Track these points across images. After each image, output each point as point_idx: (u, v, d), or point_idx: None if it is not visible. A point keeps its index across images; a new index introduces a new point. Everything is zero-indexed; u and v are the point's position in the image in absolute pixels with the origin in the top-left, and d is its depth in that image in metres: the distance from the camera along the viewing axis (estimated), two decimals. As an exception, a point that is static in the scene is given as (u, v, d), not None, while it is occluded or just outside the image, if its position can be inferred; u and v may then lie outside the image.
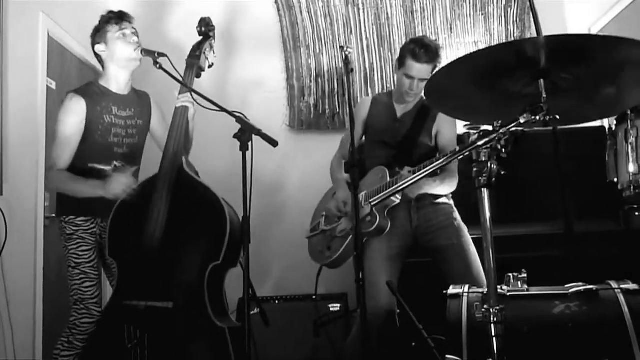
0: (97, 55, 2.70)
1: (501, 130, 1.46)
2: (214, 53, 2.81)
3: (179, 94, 2.60)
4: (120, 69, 2.67)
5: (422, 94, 2.87)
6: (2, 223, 2.78)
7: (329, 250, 2.79)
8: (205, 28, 2.78)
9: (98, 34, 2.66)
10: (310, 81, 4.04)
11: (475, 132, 3.20)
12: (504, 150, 1.49)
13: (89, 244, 2.56)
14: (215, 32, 2.85)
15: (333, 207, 2.83)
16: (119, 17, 2.65)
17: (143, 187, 2.52)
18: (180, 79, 2.48)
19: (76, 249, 2.53)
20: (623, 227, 3.08)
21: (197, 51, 2.72)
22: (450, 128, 2.77)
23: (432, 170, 1.95)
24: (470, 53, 1.47)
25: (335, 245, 2.77)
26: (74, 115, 2.55)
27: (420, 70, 2.67)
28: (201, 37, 2.78)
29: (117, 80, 2.69)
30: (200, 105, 2.43)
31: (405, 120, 2.84)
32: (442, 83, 1.56)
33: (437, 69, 2.69)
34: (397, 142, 2.81)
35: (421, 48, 2.67)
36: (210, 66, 2.80)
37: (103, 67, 2.70)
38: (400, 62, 2.75)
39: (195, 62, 2.69)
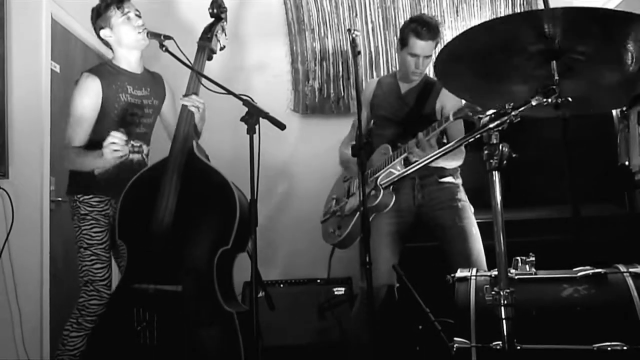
0: (102, 39, 2.68)
1: (513, 113, 1.45)
2: (225, 35, 2.79)
3: (184, 95, 2.58)
4: (129, 50, 2.66)
5: (426, 71, 2.88)
6: (9, 206, 2.78)
7: (339, 229, 2.82)
8: (217, 10, 2.76)
9: (101, 19, 2.62)
10: (315, 65, 4.01)
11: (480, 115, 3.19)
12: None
13: (102, 225, 2.56)
14: (222, 14, 2.83)
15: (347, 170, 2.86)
16: (118, 0, 2.61)
17: (153, 170, 2.52)
18: (187, 62, 2.46)
19: (89, 229, 2.53)
20: (629, 211, 3.08)
21: (208, 33, 2.71)
22: (454, 103, 2.75)
23: (439, 155, 1.93)
24: (488, 21, 1.44)
25: (344, 223, 2.80)
26: (89, 95, 2.53)
27: (424, 47, 2.70)
28: (213, 19, 2.76)
29: (128, 60, 2.68)
30: (207, 89, 2.42)
31: (409, 97, 2.85)
32: (456, 53, 1.53)
33: (439, 46, 2.75)
34: (402, 117, 2.82)
35: (423, 26, 2.69)
36: (221, 48, 2.79)
37: (111, 49, 2.69)
38: (403, 42, 2.77)
39: (206, 44, 2.68)
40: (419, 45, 2.70)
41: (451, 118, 2.38)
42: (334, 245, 2.89)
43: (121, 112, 2.61)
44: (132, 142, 2.64)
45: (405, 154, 2.56)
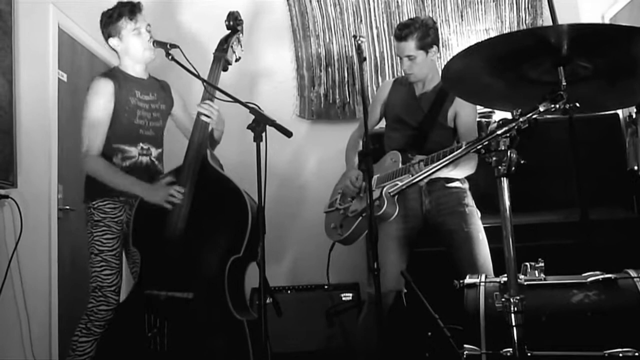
0: (109, 45, 2.72)
1: (520, 119, 1.44)
2: (241, 47, 2.85)
3: (202, 100, 2.62)
4: (135, 62, 2.71)
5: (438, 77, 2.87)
6: (18, 215, 2.80)
7: (341, 228, 2.82)
8: (234, 22, 2.81)
9: (112, 27, 2.65)
10: (320, 71, 4.02)
11: (488, 119, 3.18)
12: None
13: (114, 232, 2.57)
14: (224, 23, 2.85)
15: (347, 182, 2.83)
16: (131, 11, 2.64)
17: (169, 179, 2.55)
18: (193, 70, 2.47)
19: (101, 236, 2.55)
20: (637, 214, 3.06)
21: (224, 45, 2.75)
22: (468, 110, 2.74)
23: (446, 163, 1.92)
24: (490, 38, 1.45)
25: (347, 224, 2.79)
26: (102, 97, 2.57)
27: (401, 47, 2.72)
28: (229, 31, 2.81)
29: (134, 69, 2.73)
30: (214, 97, 2.42)
31: (423, 100, 2.82)
32: (459, 67, 1.54)
33: (426, 42, 2.69)
34: (417, 122, 2.80)
35: (397, 28, 2.74)
36: (237, 60, 2.83)
37: (118, 56, 2.73)
38: None
39: (222, 55, 2.72)
40: (398, 47, 2.74)
41: (463, 146, 2.33)
42: (335, 241, 2.89)
43: (130, 116, 2.64)
44: (141, 144, 2.67)
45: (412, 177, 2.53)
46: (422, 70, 2.76)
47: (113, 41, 2.67)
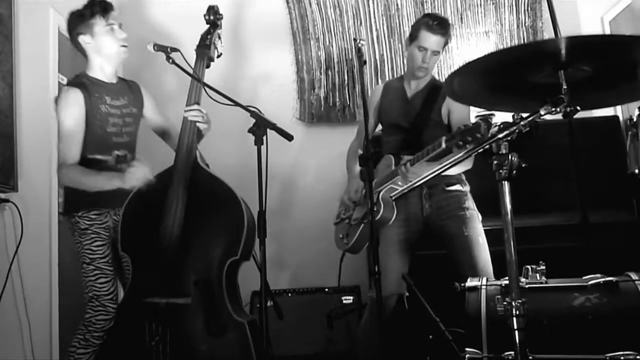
0: (77, 44, 2.61)
1: (522, 122, 1.45)
2: (221, 42, 2.77)
3: (187, 105, 2.56)
4: (107, 61, 2.63)
5: (434, 73, 2.89)
6: (18, 219, 2.79)
7: (347, 237, 2.84)
8: (214, 16, 2.72)
9: (83, 25, 2.55)
10: (320, 73, 4.02)
11: (485, 123, 3.17)
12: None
13: (103, 238, 2.50)
14: (224, 26, 2.83)
15: (345, 197, 2.87)
16: (104, 10, 2.56)
17: (157, 180, 2.47)
18: (195, 75, 2.46)
19: (90, 244, 2.47)
20: (637, 217, 3.06)
21: (206, 40, 2.67)
22: (461, 106, 2.71)
23: (445, 168, 1.91)
24: (487, 54, 1.45)
25: (351, 232, 2.82)
26: (74, 108, 2.49)
27: (434, 41, 2.73)
28: (209, 26, 2.73)
29: (103, 70, 2.63)
30: (215, 100, 2.41)
31: (415, 101, 2.84)
32: (459, 83, 1.55)
33: (447, 45, 2.81)
34: (409, 123, 2.81)
35: (435, 20, 2.74)
36: (218, 56, 2.77)
37: (86, 56, 2.63)
38: (413, 36, 2.79)
39: (205, 51, 2.65)
40: (429, 39, 2.72)
41: (443, 145, 2.30)
42: (343, 250, 2.90)
43: (103, 124, 2.57)
44: (116, 152, 2.61)
45: (412, 183, 2.54)
46: (433, 67, 2.84)
47: (85, 38, 2.56)
